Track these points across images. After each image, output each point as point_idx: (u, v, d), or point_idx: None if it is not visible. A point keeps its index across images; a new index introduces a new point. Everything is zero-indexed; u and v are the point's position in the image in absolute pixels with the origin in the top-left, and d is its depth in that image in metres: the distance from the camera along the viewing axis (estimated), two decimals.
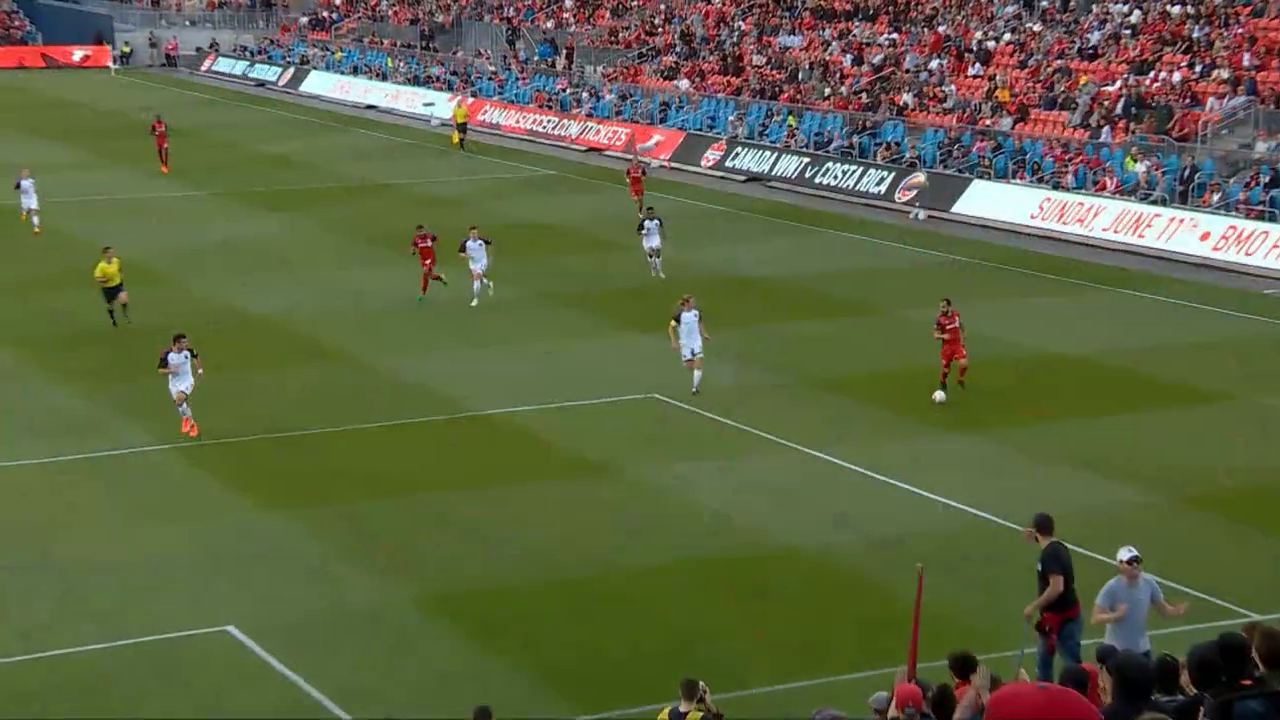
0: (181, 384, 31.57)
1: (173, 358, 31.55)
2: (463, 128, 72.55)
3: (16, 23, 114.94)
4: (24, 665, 22.51)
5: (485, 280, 42.87)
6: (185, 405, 31.45)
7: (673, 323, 34.35)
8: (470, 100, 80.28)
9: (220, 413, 33.44)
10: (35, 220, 51.98)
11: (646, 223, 45.68)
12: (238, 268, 48.11)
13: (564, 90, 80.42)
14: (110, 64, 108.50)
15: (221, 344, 38.87)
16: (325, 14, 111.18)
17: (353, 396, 34.29)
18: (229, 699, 21.86)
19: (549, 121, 77.08)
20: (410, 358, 37.92)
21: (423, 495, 29.25)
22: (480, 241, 42.97)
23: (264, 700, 21.81)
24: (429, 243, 43.39)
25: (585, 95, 78.79)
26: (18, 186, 52.28)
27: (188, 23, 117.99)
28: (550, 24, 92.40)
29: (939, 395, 33.43)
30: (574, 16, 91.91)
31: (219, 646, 23.30)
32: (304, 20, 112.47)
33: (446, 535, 27.38)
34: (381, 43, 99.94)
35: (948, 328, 34.08)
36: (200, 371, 31.85)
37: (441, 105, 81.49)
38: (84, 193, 60.66)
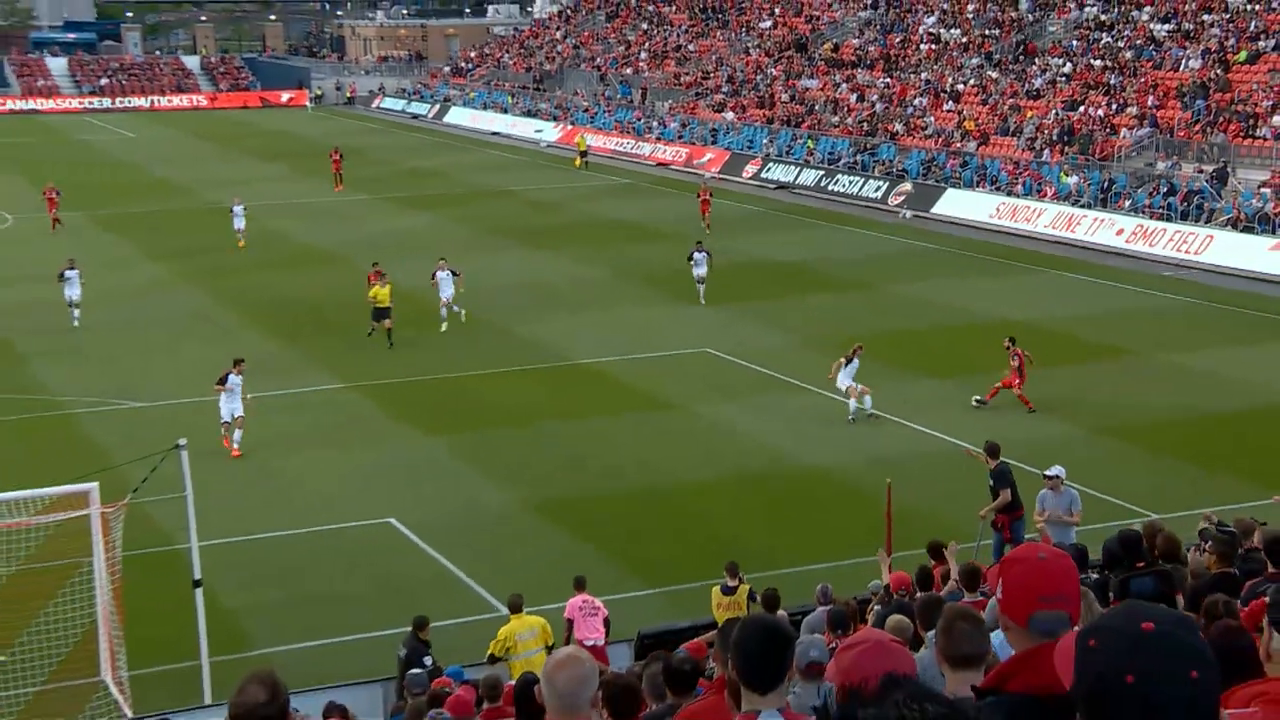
0: (233, 404, 27.16)
1: (231, 379, 27.27)
2: (584, 153, 72.06)
3: (243, 75, 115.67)
4: (240, 544, 22.66)
5: (457, 307, 36.61)
6: (236, 430, 26.99)
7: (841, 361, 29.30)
8: (579, 134, 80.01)
9: (387, 361, 33.52)
10: (240, 238, 48.15)
11: (696, 254, 39.48)
12: (395, 252, 48.10)
13: (638, 120, 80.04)
14: (307, 103, 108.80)
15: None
16: (462, 64, 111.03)
17: (483, 348, 34.31)
18: (391, 574, 21.95)
19: (627, 143, 76.67)
20: (524, 320, 37.89)
21: (535, 424, 29.23)
22: (449, 272, 36.57)
23: (418, 575, 21.89)
24: (378, 281, 35.39)
25: (655, 124, 78.38)
26: (231, 211, 48.99)
27: (364, 72, 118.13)
28: (629, 70, 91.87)
29: (975, 399, 30.03)
30: (647, 65, 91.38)
31: (383, 535, 23.40)
32: (447, 69, 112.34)
33: (553, 455, 27.36)
34: (503, 85, 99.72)
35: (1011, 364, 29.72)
36: (249, 397, 27.46)
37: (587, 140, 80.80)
38: (286, 198, 60.89)
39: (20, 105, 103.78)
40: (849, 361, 29.03)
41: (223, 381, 27.07)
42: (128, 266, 46.00)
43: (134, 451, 24.28)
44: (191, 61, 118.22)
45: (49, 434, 28.20)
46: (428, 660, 15.42)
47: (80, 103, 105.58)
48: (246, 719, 4.94)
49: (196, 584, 17.43)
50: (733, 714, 5.35)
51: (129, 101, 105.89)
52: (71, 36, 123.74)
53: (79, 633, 17.85)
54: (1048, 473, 19.89)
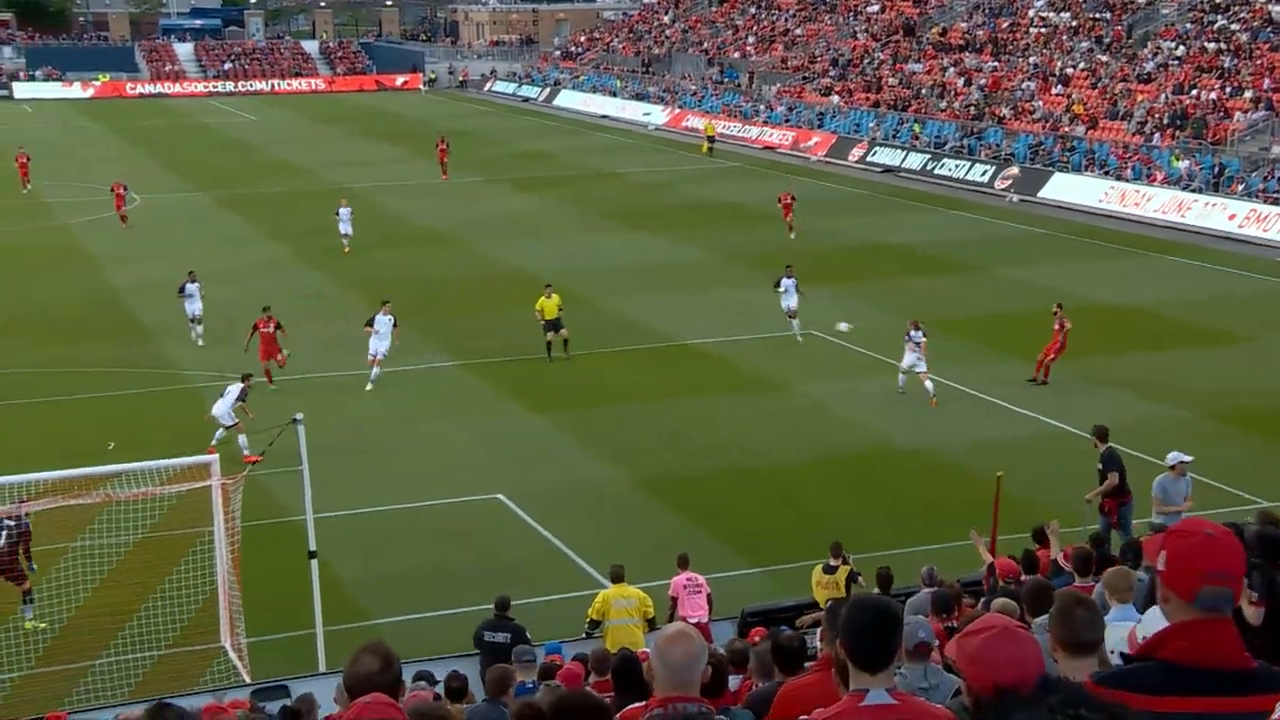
0: (224, 419, 25.91)
1: (379, 319, 29.85)
2: (712, 139, 71.56)
3: (360, 59, 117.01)
4: (353, 517, 22.93)
5: (380, 367, 30.11)
6: (241, 436, 25.63)
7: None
8: (687, 115, 79.75)
9: (494, 338, 33.72)
10: (345, 243, 44.38)
11: (784, 280, 33.85)
12: (506, 233, 48.43)
13: (746, 103, 79.64)
14: (421, 86, 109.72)
15: (492, 289, 39.33)
16: (572, 48, 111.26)
17: (589, 329, 34.37)
18: (499, 549, 22.10)
19: (734, 127, 76.34)
20: (630, 300, 37.90)
21: (640, 403, 29.26)
22: (390, 318, 30.41)
23: (524, 550, 22.01)
24: (271, 328, 30.19)
25: (762, 107, 77.95)
26: (337, 214, 45.02)
27: (476, 56, 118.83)
28: (736, 54, 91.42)
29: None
30: (754, 49, 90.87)
31: (491, 510, 23.56)
32: (557, 53, 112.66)
33: (657, 434, 27.36)
34: (612, 69, 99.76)
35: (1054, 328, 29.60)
36: (251, 417, 25.78)
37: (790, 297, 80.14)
38: (399, 179, 61.46)
39: (149, 89, 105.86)
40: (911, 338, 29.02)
41: (243, 397, 26.13)
42: (248, 245, 46.75)
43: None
44: (310, 46, 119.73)
45: (174, 408, 28.74)
46: (502, 637, 15.39)
47: (205, 86, 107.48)
48: (362, 688, 4.97)
49: (312, 555, 17.66)
50: (839, 692, 5.29)
51: (250, 85, 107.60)
52: (198, 23, 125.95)
53: (200, 600, 18.20)
54: (1172, 459, 19.47)
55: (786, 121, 74.40)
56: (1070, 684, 3.38)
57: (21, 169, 57.39)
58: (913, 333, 28.92)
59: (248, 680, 16.76)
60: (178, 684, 16.40)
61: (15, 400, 28.62)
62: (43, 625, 18.78)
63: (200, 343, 33.27)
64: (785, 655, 7.49)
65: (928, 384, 28.57)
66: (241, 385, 26.29)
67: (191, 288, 34.08)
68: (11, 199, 55.12)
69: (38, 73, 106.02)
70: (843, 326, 31.12)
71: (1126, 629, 6.66)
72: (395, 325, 30.48)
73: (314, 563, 17.63)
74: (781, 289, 33.82)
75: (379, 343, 30.08)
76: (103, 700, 15.76)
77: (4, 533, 18.90)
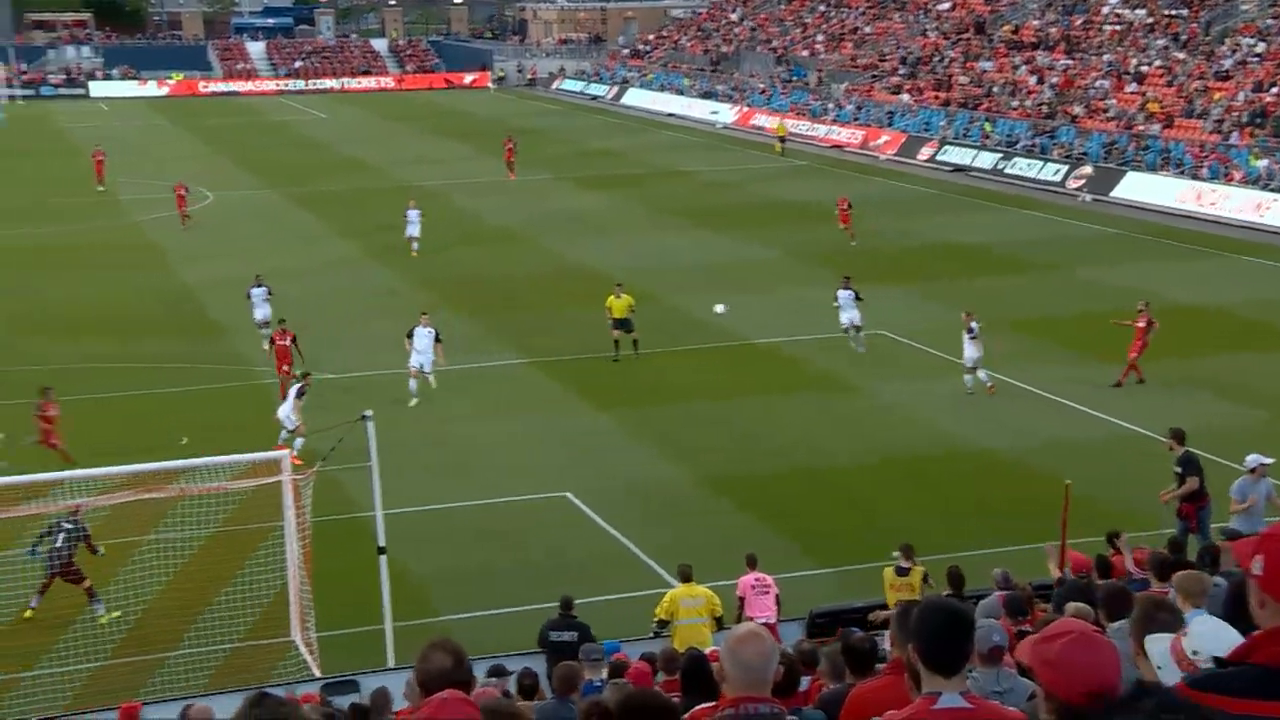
0: (288, 421, 25.83)
1: (418, 331, 28.65)
2: (783, 139, 71.15)
3: (429, 57, 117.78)
4: (422, 513, 23.08)
5: (427, 374, 29.26)
6: (295, 439, 25.17)
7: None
8: (756, 114, 79.48)
9: (562, 336, 33.81)
10: (413, 245, 43.86)
11: (840, 292, 31.92)
12: (574, 231, 48.56)
13: (814, 102, 79.34)
14: (490, 84, 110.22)
15: (560, 287, 39.45)
16: (640, 46, 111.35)
17: (657, 327, 34.38)
18: (566, 547, 22.17)
19: (802, 126, 76.05)
20: (698, 299, 37.85)
21: (708, 402, 29.24)
22: (430, 330, 29.40)
23: (591, 548, 22.06)
24: (287, 341, 29.30)
25: (830, 106, 77.62)
26: (405, 216, 44.44)
27: (544, 54, 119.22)
28: (805, 53, 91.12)
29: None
30: (824, 46, 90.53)
31: (559, 508, 23.64)
32: (625, 51, 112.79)
33: (725, 433, 27.33)
34: (680, 67, 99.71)
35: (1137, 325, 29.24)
36: (301, 427, 25.58)
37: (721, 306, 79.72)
38: (468, 177, 61.76)
39: (221, 87, 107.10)
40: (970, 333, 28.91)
41: (300, 395, 26.03)
42: (319, 243, 47.18)
43: (323, 421, 24.96)
44: (380, 44, 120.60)
45: (245, 404, 29.07)
46: (569, 636, 15.45)
47: (276, 84, 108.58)
48: (435, 684, 5.00)
49: (381, 551, 17.81)
50: (911, 696, 5.26)
51: (320, 83, 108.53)
52: (270, 22, 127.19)
53: (271, 594, 18.41)
54: (1251, 462, 19.18)
55: (855, 120, 74.05)
56: (1165, 689, 3.35)
57: (97, 167, 58.28)
58: (973, 325, 28.86)
59: (318, 674, 16.92)
60: (248, 678, 16.59)
61: (91, 394, 29.04)
62: (116, 614, 19.07)
63: (265, 347, 31.75)
64: (857, 657, 7.46)
65: (982, 374, 28.63)
66: (299, 385, 26.37)
67: (257, 292, 33.45)
68: (87, 196, 55.97)
69: (114, 72, 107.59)
70: (719, 309, 30.13)
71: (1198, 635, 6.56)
72: (438, 340, 29.16)
73: (383, 559, 17.78)
74: (838, 302, 31.95)
75: (419, 356, 28.93)
76: (176, 692, 15.96)
77: (62, 534, 19.20)
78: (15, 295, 39.34)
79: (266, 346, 31.59)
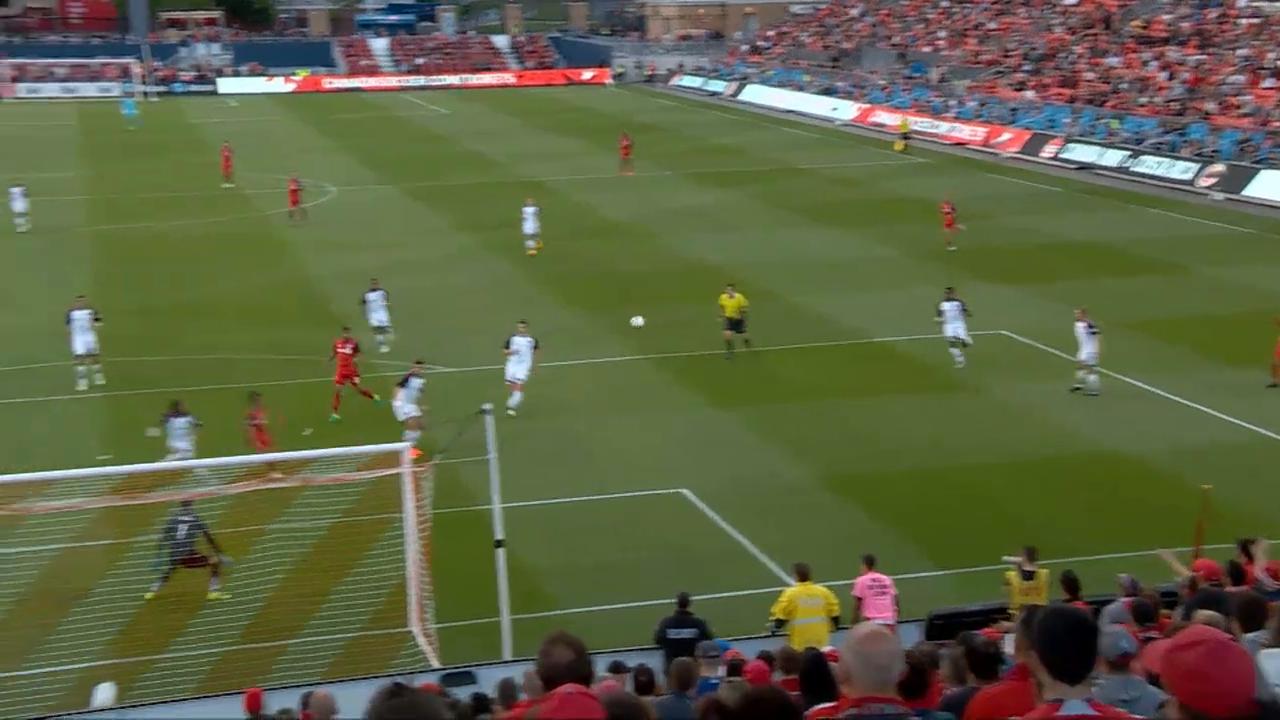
0: (407, 409, 25.93)
1: (413, 381, 26.30)
2: (906, 136, 70.49)
3: (549, 53, 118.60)
4: (539, 508, 23.22)
5: (519, 381, 28.21)
6: (415, 432, 24.84)
7: None
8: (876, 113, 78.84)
9: (679, 332, 33.82)
10: (531, 244, 43.50)
11: (945, 305, 30.76)
12: (692, 227, 48.55)
13: (936, 99, 78.49)
14: (608, 81, 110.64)
15: (678, 283, 39.46)
16: (760, 42, 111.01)
17: (777, 324, 34.29)
18: (680, 544, 22.19)
19: (924, 123, 75.25)
20: (818, 296, 37.69)
21: (827, 400, 29.10)
22: (529, 339, 28.50)
23: (707, 546, 22.06)
24: (349, 349, 28.61)
25: (952, 103, 76.73)
26: (523, 214, 43.99)
27: (663, 50, 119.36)
28: (927, 49, 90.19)
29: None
30: (947, 43, 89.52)
31: (675, 504, 23.67)
32: (744, 47, 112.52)
33: (844, 431, 27.18)
34: (800, 63, 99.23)
35: None
36: (426, 407, 25.97)
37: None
38: (587, 172, 62.02)
39: (345, 84, 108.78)
40: (1091, 329, 28.46)
41: (404, 383, 26.15)
42: (439, 237, 47.75)
43: (442, 415, 25.28)
44: (500, 41, 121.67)
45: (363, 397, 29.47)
46: (688, 633, 15.46)
47: (398, 80, 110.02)
48: (558, 679, 5.05)
49: (499, 544, 17.98)
50: (1037, 701, 5.20)
51: (441, 80, 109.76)
52: (394, 18, 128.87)
53: (390, 585, 18.67)
54: None
55: (978, 117, 73.13)
56: None
57: (225, 163, 59.54)
58: (1089, 323, 28.49)
59: (436, 665, 17.13)
60: (368, 666, 16.84)
61: (218, 384, 29.65)
62: (226, 596, 19.51)
63: (385, 349, 32.24)
64: (980, 661, 7.38)
65: (1093, 378, 28.27)
66: (411, 374, 26.34)
67: (374, 296, 32.94)
68: (215, 191, 57.22)
69: (242, 68, 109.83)
70: (636, 321, 28.66)
71: None
72: (536, 347, 28.43)
73: (501, 551, 17.95)
74: (941, 315, 30.70)
75: (517, 366, 28.10)
76: (298, 679, 16.26)
77: (182, 527, 19.73)
78: (149, 286, 40.34)
79: (384, 350, 32.06)
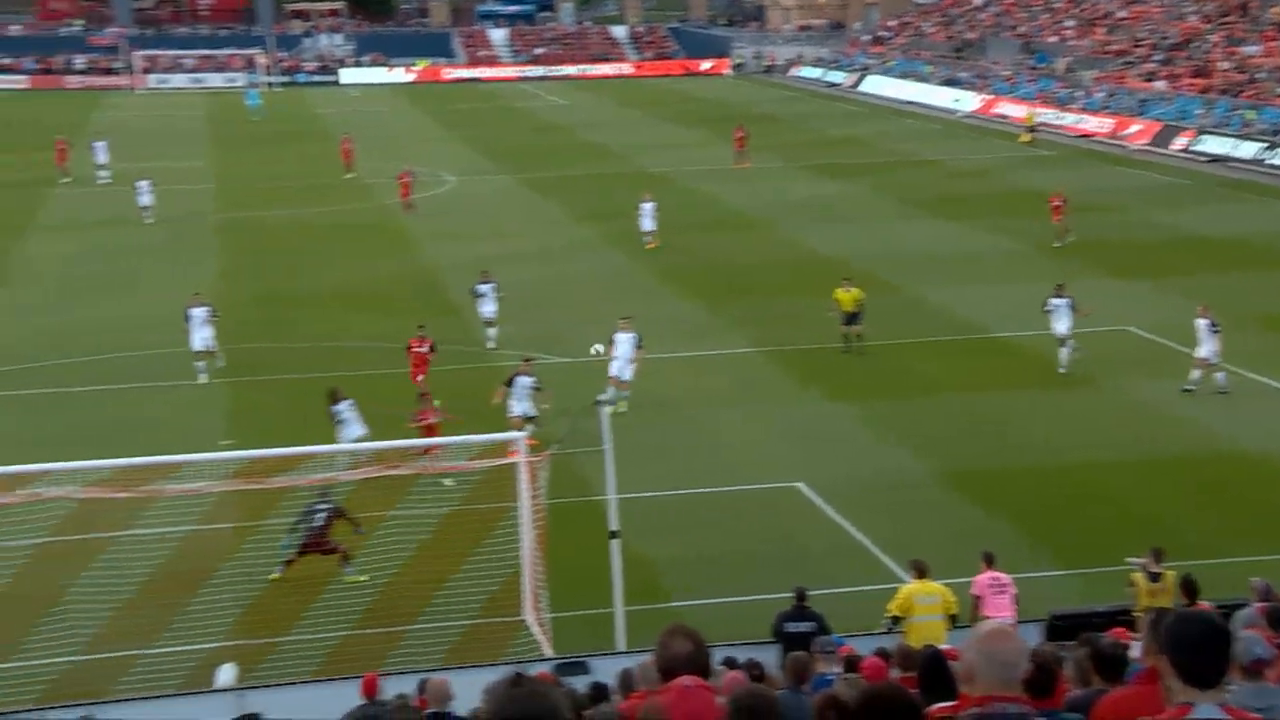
0: (521, 407, 25.51)
1: (520, 380, 25.78)
2: (1033, 129, 69.30)
3: (667, 44, 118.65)
4: (654, 499, 23.26)
5: (625, 380, 27.75)
6: (529, 427, 23.68)
7: None
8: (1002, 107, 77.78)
9: (795, 324, 33.65)
10: (648, 239, 43.23)
11: (1053, 300, 29.82)
12: (810, 219, 48.28)
13: (1062, 90, 77.16)
14: (727, 71, 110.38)
15: (795, 275, 39.27)
16: (882, 33, 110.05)
17: (895, 317, 33.97)
18: (795, 538, 22.11)
19: (1049, 114, 73.96)
20: (938, 289, 37.27)
21: (947, 395, 28.80)
22: (632, 335, 28.21)
23: (822, 540, 21.96)
24: (425, 348, 28.51)
25: (1079, 94, 75.39)
26: (639, 209, 43.51)
27: (783, 41, 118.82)
28: (1054, 38, 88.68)
29: None
30: (1074, 32, 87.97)
31: (790, 499, 23.59)
32: (866, 38, 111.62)
33: (965, 427, 26.90)
34: (922, 54, 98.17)
35: None
36: (546, 405, 25.58)
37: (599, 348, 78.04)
38: (705, 164, 61.92)
39: (464, 74, 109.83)
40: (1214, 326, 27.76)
41: (509, 383, 25.60)
42: (556, 226, 48.04)
43: (558, 405, 25.42)
44: (619, 31, 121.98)
45: (481, 385, 29.72)
46: (806, 626, 15.40)
47: (516, 71, 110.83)
48: (678, 670, 5.07)
49: (613, 535, 18.05)
50: (1166, 705, 5.12)
51: (559, 70, 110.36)
52: (513, 9, 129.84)
53: (505, 573, 18.85)
54: None
55: (1105, 108, 71.77)
56: None
57: (345, 153, 60.45)
58: (1210, 320, 27.87)
59: (549, 654, 17.26)
60: (482, 654, 17.02)
61: (338, 372, 30.10)
62: (364, 578, 19.83)
63: (490, 345, 32.26)
64: (1106, 663, 7.26)
65: (1220, 375, 27.68)
66: (518, 372, 26.00)
67: (484, 288, 32.57)
68: (336, 181, 58.13)
69: (364, 59, 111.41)
70: (596, 349, 26.41)
71: None
72: (640, 346, 27.97)
73: (615, 542, 18.02)
74: (1049, 309, 29.79)
75: (620, 365, 27.54)
76: (414, 665, 16.49)
77: (321, 513, 20.05)
78: (272, 274, 41.13)
79: (491, 346, 32.08)
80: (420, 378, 28.00)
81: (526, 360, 26.86)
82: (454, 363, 31.33)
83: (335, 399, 24.90)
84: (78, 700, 14.40)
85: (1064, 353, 29.68)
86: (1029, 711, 4.82)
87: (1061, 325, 29.55)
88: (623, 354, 27.70)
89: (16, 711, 13.98)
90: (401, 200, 50.25)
